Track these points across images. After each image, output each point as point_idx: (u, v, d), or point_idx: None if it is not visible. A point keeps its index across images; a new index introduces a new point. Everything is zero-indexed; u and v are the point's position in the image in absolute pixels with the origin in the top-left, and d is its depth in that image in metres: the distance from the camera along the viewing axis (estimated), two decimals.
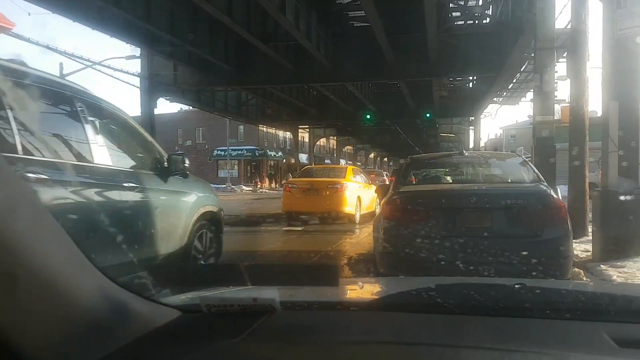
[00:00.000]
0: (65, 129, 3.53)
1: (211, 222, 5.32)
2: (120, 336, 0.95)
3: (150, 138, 4.77)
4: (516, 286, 1.39)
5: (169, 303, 1.19)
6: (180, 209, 4.80)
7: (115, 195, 3.81)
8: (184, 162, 4.80)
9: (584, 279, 5.72)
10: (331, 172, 14.30)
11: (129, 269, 2.64)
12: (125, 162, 4.29)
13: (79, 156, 3.50)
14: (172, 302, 1.20)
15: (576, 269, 5.87)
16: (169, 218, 4.58)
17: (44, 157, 3.11)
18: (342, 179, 12.70)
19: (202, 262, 5.04)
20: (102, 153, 3.70)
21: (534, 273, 4.10)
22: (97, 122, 3.77)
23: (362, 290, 1.81)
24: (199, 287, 1.30)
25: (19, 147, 2.87)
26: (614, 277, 5.38)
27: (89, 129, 3.61)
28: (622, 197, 6.05)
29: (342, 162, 55.78)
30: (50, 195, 2.98)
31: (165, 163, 4.63)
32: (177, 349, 1.00)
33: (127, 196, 3.95)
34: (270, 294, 1.14)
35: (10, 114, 2.83)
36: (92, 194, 3.51)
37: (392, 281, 2.44)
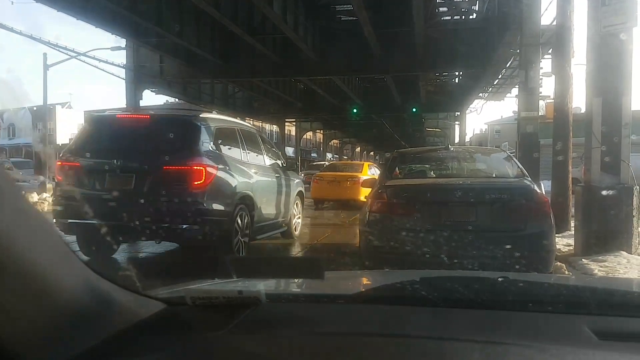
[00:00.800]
0: (256, 149, 7.35)
1: (300, 198, 8.98)
2: (104, 328, 0.94)
3: (277, 150, 8.98)
4: (499, 279, 1.40)
5: (153, 295, 1.18)
6: (292, 188, 8.39)
7: (273, 179, 7.56)
8: (295, 164, 11.77)
9: (566, 272, 5.79)
10: (351, 167, 17.59)
11: (275, 216, 7.62)
12: (271, 163, 7.86)
13: (262, 161, 7.40)
14: (156, 295, 1.20)
15: (558, 263, 5.94)
16: (288, 193, 8.20)
17: (254, 163, 6.94)
18: (359, 173, 15.59)
19: (299, 219, 8.92)
20: (266, 159, 7.60)
21: (517, 266, 4.15)
22: (263, 144, 7.74)
23: (347, 283, 1.82)
24: (184, 280, 1.30)
25: (245, 159, 6.73)
26: (596, 271, 5.45)
27: (263, 148, 7.61)
28: (604, 192, 6.13)
29: (329, 155, 55.79)
30: (254, 179, 6.65)
31: (284, 163, 8.51)
32: (162, 341, 0.99)
33: (275, 179, 7.65)
34: (256, 286, 1.14)
35: (244, 145, 6.82)
36: (265, 178, 7.21)
37: (377, 274, 2.46)
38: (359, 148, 71.51)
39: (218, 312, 1.10)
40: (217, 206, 5.67)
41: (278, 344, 1.01)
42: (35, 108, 51.94)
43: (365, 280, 1.93)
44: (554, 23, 9.88)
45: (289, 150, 46.97)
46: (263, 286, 1.13)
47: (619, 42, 6.20)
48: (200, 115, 6.33)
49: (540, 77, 11.69)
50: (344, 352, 0.98)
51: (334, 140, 61.44)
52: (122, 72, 21.51)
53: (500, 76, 26.80)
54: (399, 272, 2.46)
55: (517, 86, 15.21)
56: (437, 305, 1.21)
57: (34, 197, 14.99)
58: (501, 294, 1.33)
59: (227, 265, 1.10)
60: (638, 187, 6.28)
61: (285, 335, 1.05)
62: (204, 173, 5.54)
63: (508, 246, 4.31)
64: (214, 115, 6.96)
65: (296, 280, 1.47)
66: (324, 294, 1.37)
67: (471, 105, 34.28)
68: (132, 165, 5.57)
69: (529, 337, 1.00)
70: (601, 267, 5.62)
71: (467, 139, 39.18)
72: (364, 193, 14.86)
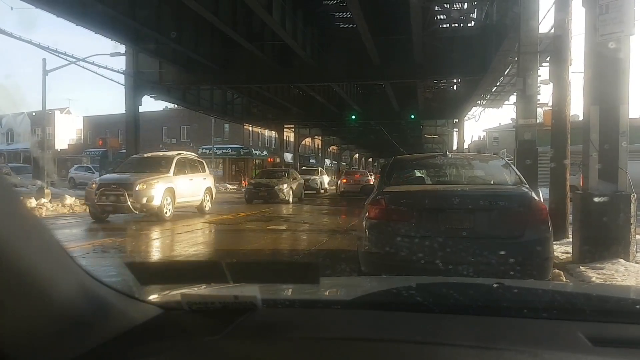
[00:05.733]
0: None
1: None
2: (100, 333, 0.94)
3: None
4: (494, 285, 1.41)
5: (150, 300, 1.18)
6: None
7: None
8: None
9: (564, 280, 5.77)
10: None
11: None
12: None
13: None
14: (153, 300, 1.20)
15: (556, 270, 5.93)
16: None
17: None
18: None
19: None
20: None
21: (512, 272, 4.15)
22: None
23: (343, 288, 1.82)
24: (181, 285, 1.30)
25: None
26: (593, 279, 5.45)
27: None
28: (601, 199, 6.15)
29: (327, 161, 55.82)
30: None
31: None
32: (158, 346, 0.99)
33: None
34: (252, 291, 1.14)
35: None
36: None
37: (373, 280, 2.46)
38: (357, 154, 71.58)
39: (214, 317, 1.11)
40: None
41: (274, 349, 1.01)
42: (34, 113, 51.97)
43: (361, 286, 1.93)
44: (552, 31, 9.93)
45: (288, 156, 47.02)
46: (259, 291, 1.14)
47: (616, 50, 6.23)
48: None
49: (538, 84, 11.75)
50: (339, 357, 0.98)
51: (333, 147, 61.51)
52: (121, 78, 21.61)
53: (498, 83, 26.89)
54: (395, 278, 2.46)
55: (515, 93, 15.24)
56: (432, 311, 1.21)
57: (32, 202, 14.97)
58: (496, 300, 1.34)
59: (223, 270, 1.10)
60: (635, 195, 6.29)
61: (281, 340, 1.05)
62: None
63: (505, 253, 4.31)
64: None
65: (292, 285, 1.47)
66: (320, 299, 1.37)
67: (469, 113, 34.40)
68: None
69: (523, 343, 1.00)
70: (599, 274, 5.62)
71: (465, 145, 39.22)
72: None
